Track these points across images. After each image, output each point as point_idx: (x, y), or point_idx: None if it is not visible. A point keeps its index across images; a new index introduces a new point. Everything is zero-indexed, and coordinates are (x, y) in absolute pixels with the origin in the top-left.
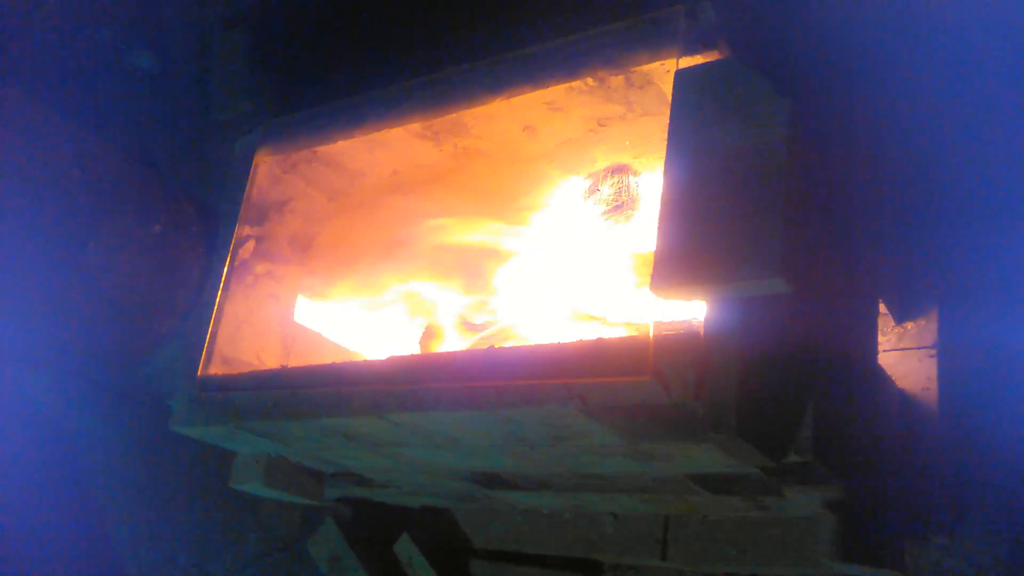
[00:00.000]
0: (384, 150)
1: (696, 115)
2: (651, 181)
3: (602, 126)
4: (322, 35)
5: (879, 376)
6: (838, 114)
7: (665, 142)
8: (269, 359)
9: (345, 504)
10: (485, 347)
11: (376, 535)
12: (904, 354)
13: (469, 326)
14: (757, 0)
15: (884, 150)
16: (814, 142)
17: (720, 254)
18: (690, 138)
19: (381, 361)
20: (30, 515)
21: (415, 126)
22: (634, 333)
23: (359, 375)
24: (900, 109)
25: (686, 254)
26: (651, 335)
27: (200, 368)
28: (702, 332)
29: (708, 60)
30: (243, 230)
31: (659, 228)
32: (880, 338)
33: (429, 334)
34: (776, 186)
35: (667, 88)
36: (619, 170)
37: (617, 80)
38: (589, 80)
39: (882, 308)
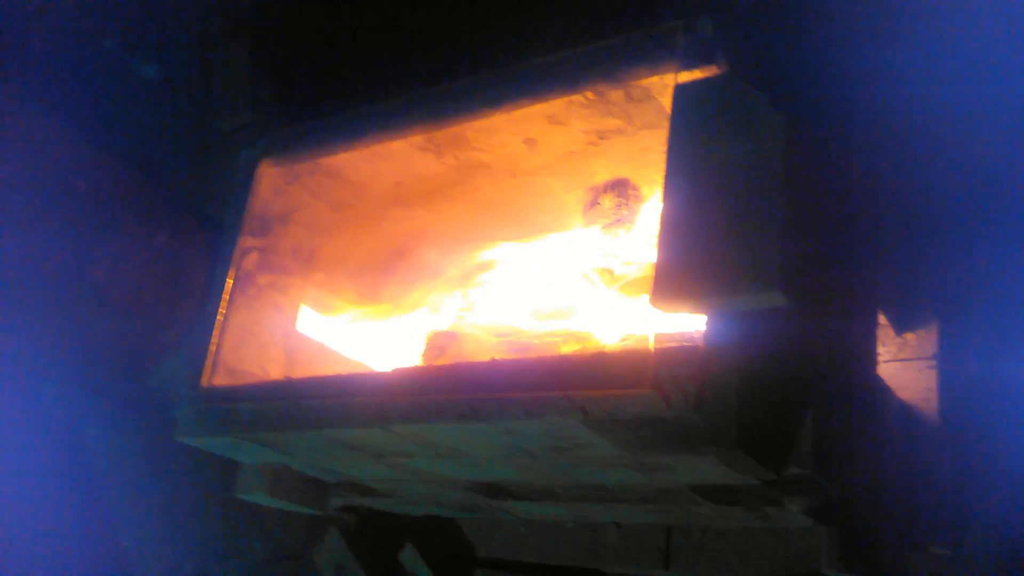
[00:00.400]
0: (386, 162)
1: (695, 129)
2: (651, 194)
3: (602, 139)
4: (325, 47)
5: (879, 387)
6: (836, 128)
7: (664, 155)
8: (273, 370)
9: (349, 513)
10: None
11: (380, 544)
12: (904, 365)
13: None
14: (756, 15)
15: (883, 162)
16: (812, 155)
17: (719, 267)
18: (689, 152)
19: (384, 372)
20: (35, 524)
21: (417, 138)
22: (635, 345)
23: (363, 386)
24: (898, 123)
25: (686, 267)
26: (651, 347)
27: (204, 379)
28: (702, 345)
29: (707, 74)
30: (246, 241)
31: (659, 241)
32: (880, 349)
33: (432, 345)
34: (775, 199)
35: (666, 101)
36: (619, 184)
37: (617, 94)
38: (589, 94)
39: (882, 319)
